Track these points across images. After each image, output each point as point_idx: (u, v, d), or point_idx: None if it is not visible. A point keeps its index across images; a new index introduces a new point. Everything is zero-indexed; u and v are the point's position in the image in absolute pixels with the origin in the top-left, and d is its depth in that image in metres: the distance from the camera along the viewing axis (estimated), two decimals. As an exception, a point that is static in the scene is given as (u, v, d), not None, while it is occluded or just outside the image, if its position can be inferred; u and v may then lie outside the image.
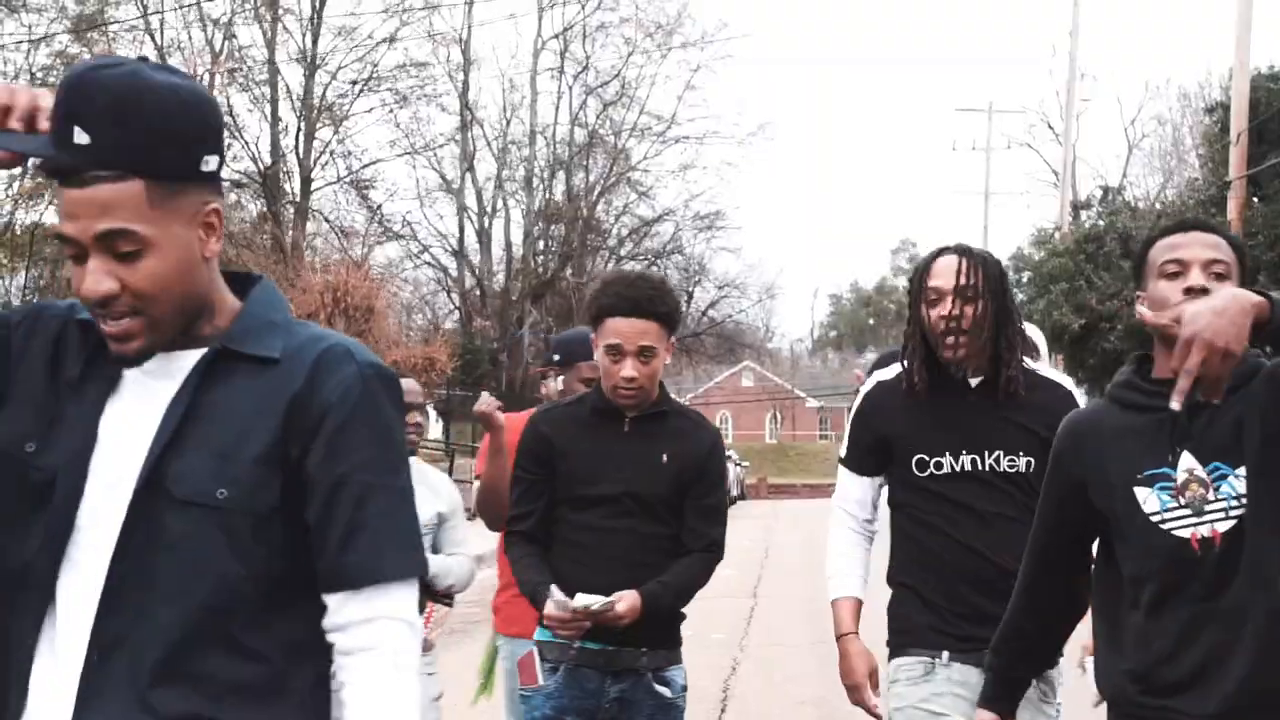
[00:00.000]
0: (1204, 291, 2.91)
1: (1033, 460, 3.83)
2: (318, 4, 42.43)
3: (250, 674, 2.11)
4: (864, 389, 4.09)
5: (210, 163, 2.12)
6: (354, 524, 2.13)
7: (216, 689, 2.08)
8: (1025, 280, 51.46)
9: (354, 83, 42.62)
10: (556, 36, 44.75)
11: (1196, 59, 74.83)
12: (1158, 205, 38.27)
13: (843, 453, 4.12)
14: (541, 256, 46.41)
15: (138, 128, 2.03)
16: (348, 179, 43.27)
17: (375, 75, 42.82)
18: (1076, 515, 3.05)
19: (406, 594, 2.17)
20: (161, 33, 41.02)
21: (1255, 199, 29.79)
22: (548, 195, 46.09)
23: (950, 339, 3.83)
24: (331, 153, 42.94)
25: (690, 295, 46.00)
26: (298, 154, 42.32)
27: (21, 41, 36.78)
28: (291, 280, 37.16)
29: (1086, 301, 30.96)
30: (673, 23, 44.47)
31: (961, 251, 3.90)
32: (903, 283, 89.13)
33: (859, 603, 4.01)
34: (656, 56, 45.29)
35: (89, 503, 2.11)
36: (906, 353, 3.93)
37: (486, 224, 45.65)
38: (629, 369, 4.07)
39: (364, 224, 43.71)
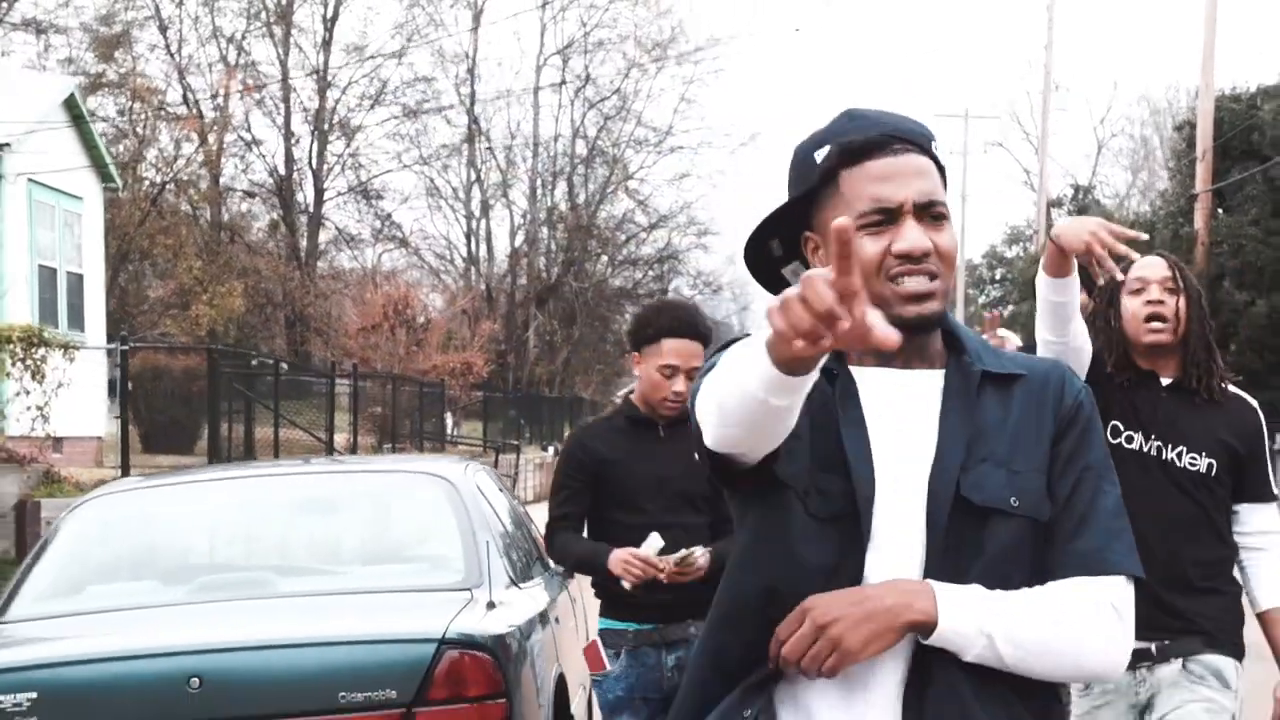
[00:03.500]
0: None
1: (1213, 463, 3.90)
2: (329, 23, 44.44)
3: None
4: None
5: None
6: (1089, 513, 2.16)
7: (1021, 687, 2.11)
8: (999, 278, 53.55)
9: (364, 97, 44.64)
10: (558, 53, 46.96)
11: (1163, 67, 77.37)
12: (1131, 215, 40.53)
13: None
14: (544, 261, 48.57)
15: (921, 129, 2.20)
16: (358, 189, 45.26)
17: (384, 90, 44.85)
18: None
19: (1125, 588, 2.15)
20: (180, 51, 43.01)
21: (1220, 211, 31.86)
22: (550, 204, 48.29)
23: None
24: (343, 165, 44.94)
25: (665, 291, 48.05)
26: (311, 165, 44.32)
27: (55, 61, 38.76)
28: (306, 286, 39.35)
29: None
30: (667, 40, 46.66)
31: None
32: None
33: None
34: (653, 71, 47.43)
35: (881, 529, 2.10)
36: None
37: (492, 231, 47.95)
38: (680, 384, 4.44)
39: (372, 232, 45.76)
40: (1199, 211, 30.69)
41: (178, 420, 21.96)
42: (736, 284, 50.77)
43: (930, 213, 2.13)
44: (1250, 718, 4.08)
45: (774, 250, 2.27)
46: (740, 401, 1.93)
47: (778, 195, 2.28)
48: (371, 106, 44.67)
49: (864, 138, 2.14)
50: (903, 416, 2.15)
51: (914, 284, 2.11)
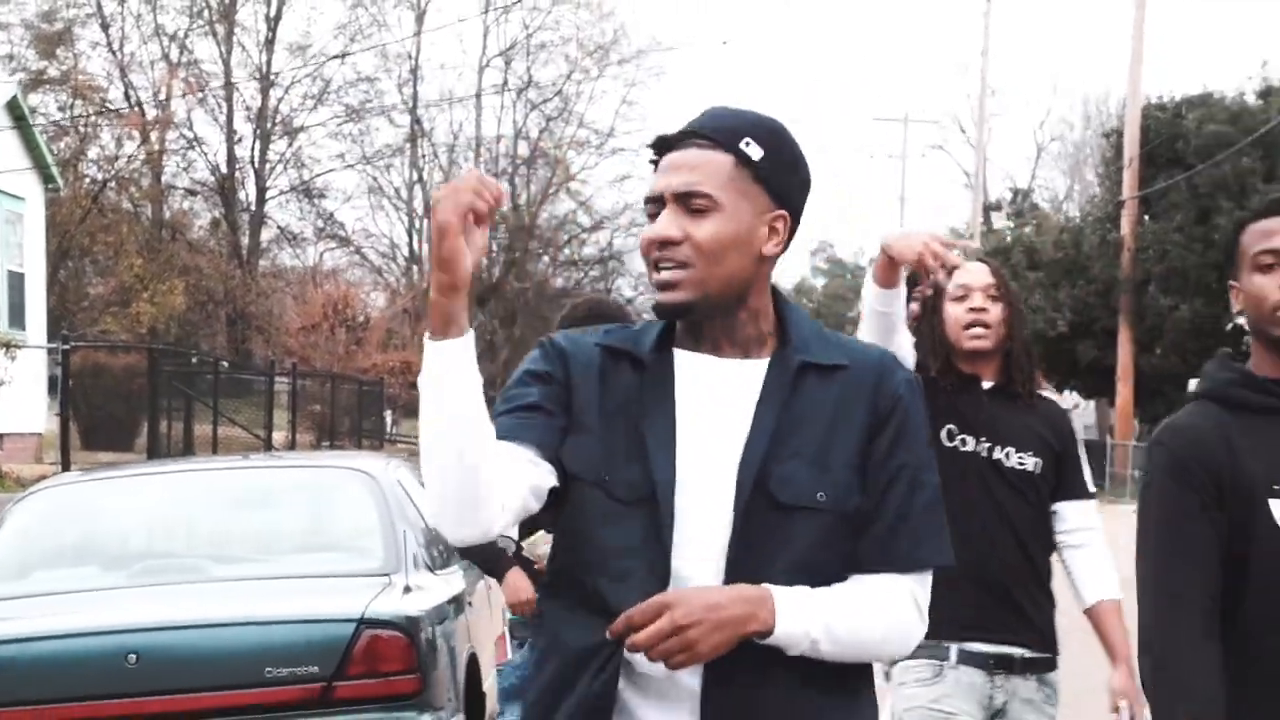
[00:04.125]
0: None
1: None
2: (272, 22, 44.57)
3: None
4: None
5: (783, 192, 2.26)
6: (904, 511, 2.23)
7: (819, 669, 2.21)
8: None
9: (306, 96, 44.80)
10: (501, 54, 47.28)
11: (1098, 73, 78.50)
12: (1062, 219, 41.25)
13: None
14: (485, 261, 48.88)
15: (734, 124, 2.26)
16: (300, 188, 45.41)
17: (327, 90, 45.02)
18: (1216, 537, 2.58)
19: (927, 580, 2.27)
20: (123, 48, 43.05)
21: (1146, 217, 32.53)
22: (492, 204, 48.41)
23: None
24: (286, 164, 45.08)
25: (610, 290, 48.49)
26: (253, 164, 44.44)
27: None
28: (248, 284, 39.57)
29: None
30: (610, 42, 47.06)
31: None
32: (821, 283, 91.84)
33: None
34: (595, 73, 47.81)
35: (686, 513, 2.19)
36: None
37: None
38: None
39: (314, 231, 45.92)
40: (1126, 217, 31.36)
41: (117, 417, 22.13)
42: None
43: (689, 204, 2.21)
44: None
45: None
46: (427, 421, 2.14)
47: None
48: (314, 106, 44.86)
49: (670, 135, 2.27)
50: (719, 404, 2.23)
51: (660, 273, 2.22)
